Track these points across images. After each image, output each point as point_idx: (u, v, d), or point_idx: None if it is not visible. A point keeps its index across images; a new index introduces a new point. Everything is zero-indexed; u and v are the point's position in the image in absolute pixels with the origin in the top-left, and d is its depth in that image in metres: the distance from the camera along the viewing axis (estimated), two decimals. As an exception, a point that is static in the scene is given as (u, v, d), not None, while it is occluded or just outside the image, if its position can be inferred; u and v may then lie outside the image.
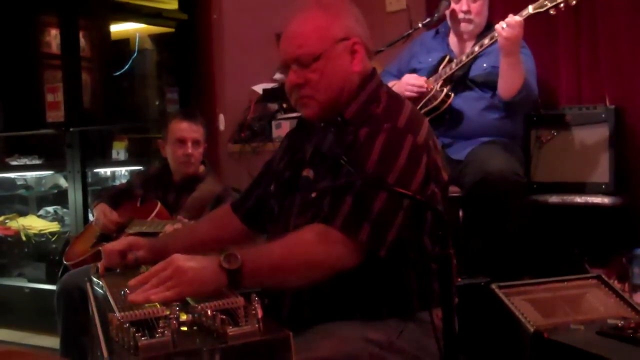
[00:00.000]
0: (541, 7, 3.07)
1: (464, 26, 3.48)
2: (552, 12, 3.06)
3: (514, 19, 3.09)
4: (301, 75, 1.87)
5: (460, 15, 3.46)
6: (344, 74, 1.87)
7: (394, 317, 1.80)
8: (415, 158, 1.76)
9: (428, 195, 1.77)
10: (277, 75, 4.09)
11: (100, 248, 2.13)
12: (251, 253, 1.63)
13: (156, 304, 1.49)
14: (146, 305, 1.48)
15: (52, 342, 3.84)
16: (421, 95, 3.39)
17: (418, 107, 3.36)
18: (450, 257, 1.50)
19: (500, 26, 3.12)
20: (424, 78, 3.42)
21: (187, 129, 3.29)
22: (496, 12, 3.63)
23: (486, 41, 3.23)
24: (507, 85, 3.24)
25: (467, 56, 3.29)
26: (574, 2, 3.01)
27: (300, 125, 2.11)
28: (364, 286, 1.79)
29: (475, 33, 3.49)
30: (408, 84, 3.41)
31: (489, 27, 3.47)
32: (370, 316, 1.79)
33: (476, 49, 3.30)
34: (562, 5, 3.03)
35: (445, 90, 3.35)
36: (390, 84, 3.53)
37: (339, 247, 1.67)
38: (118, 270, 2.01)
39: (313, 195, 1.83)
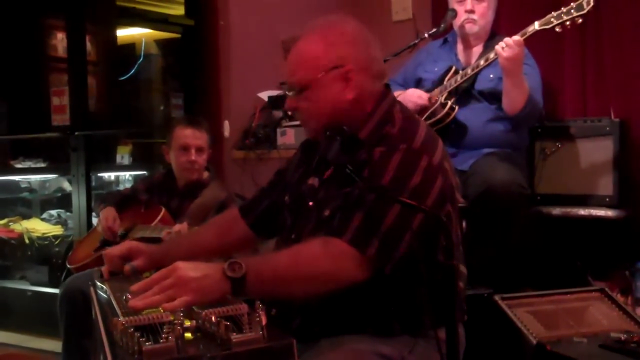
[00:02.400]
0: (547, 23, 3.07)
1: (468, 28, 3.48)
2: (557, 29, 3.06)
3: (513, 38, 3.11)
4: (294, 101, 1.91)
5: (464, 16, 3.46)
6: (334, 102, 1.86)
7: (405, 334, 1.80)
8: (430, 178, 1.75)
9: (444, 215, 1.75)
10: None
11: (103, 253, 2.13)
12: (255, 262, 1.62)
13: (160, 308, 1.49)
14: (150, 310, 1.49)
15: (54, 345, 3.84)
16: (425, 107, 3.40)
17: (423, 119, 3.37)
18: (454, 269, 1.50)
19: (500, 47, 3.12)
20: (428, 96, 3.42)
21: (190, 135, 3.29)
22: (501, 25, 3.64)
23: (492, 55, 3.24)
24: (511, 102, 3.26)
25: (473, 69, 3.29)
26: (580, 20, 3.01)
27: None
28: (375, 301, 1.78)
29: (481, 37, 3.51)
30: (411, 100, 3.42)
31: (494, 36, 3.48)
32: (381, 332, 1.78)
33: (482, 62, 3.31)
34: (568, 23, 3.03)
35: (449, 103, 3.35)
36: (395, 94, 3.55)
37: (346, 260, 1.67)
38: (122, 276, 2.01)
39: (326, 213, 1.83)
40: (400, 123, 1.86)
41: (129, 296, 1.60)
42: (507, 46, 3.09)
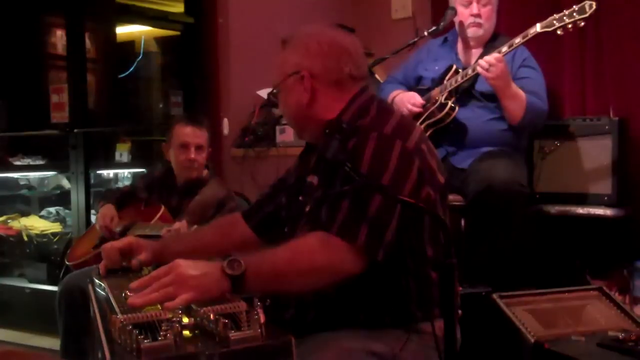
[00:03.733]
0: (549, 26, 3.07)
1: (473, 31, 3.47)
2: (559, 32, 3.06)
3: (493, 56, 3.14)
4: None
5: (470, 20, 3.45)
6: (296, 106, 2.00)
7: (397, 328, 1.80)
8: (406, 162, 1.77)
9: (423, 199, 1.78)
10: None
11: (101, 247, 2.13)
12: (254, 259, 1.63)
13: (158, 305, 1.49)
14: (148, 307, 1.49)
15: (52, 342, 3.84)
16: (425, 106, 3.41)
17: (422, 119, 3.37)
18: (454, 267, 1.50)
19: (483, 68, 3.14)
20: (422, 103, 3.43)
21: (190, 134, 3.28)
22: (503, 26, 3.64)
23: (470, 71, 3.26)
24: (510, 115, 3.28)
25: (473, 69, 3.29)
26: (582, 24, 3.01)
27: (309, 145, 2.13)
28: (364, 293, 1.80)
29: (483, 40, 3.50)
30: (406, 107, 3.43)
31: (495, 37, 3.48)
32: (372, 324, 1.79)
33: (470, 71, 3.32)
34: (570, 26, 3.03)
35: (449, 103, 3.35)
36: (394, 93, 3.56)
37: (341, 253, 1.68)
38: (120, 273, 2.01)
39: (307, 209, 1.87)
40: (373, 114, 1.91)
41: (129, 293, 1.60)
42: (490, 65, 3.11)
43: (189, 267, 1.55)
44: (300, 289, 1.73)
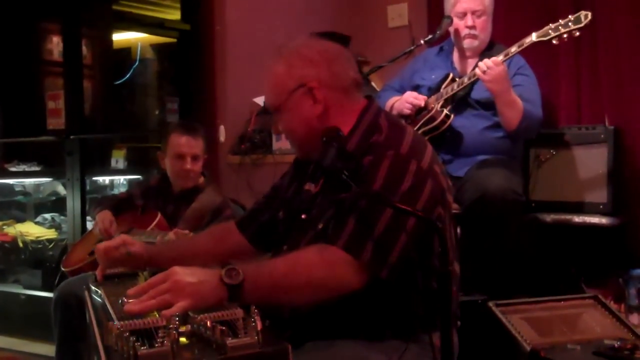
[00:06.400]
0: (545, 35, 3.08)
1: (468, 42, 3.49)
2: (555, 41, 3.08)
3: (492, 59, 3.15)
4: (276, 123, 1.99)
5: (465, 31, 3.47)
6: (306, 120, 1.91)
7: (396, 339, 1.79)
8: (419, 182, 1.76)
9: (434, 218, 1.76)
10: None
11: (95, 247, 2.12)
12: (253, 269, 1.62)
13: (155, 313, 1.49)
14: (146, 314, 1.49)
15: (47, 349, 3.83)
16: (421, 113, 3.41)
17: (417, 126, 3.38)
18: (450, 275, 1.50)
19: (481, 70, 3.16)
20: (425, 97, 3.43)
21: (185, 144, 3.25)
22: (499, 35, 3.65)
23: (469, 76, 3.28)
24: (506, 121, 3.29)
25: (469, 78, 3.30)
26: (577, 33, 3.03)
27: None
28: (367, 308, 1.78)
29: (479, 50, 3.51)
30: (407, 101, 3.43)
31: (491, 46, 3.49)
32: (372, 337, 1.78)
33: (465, 80, 3.33)
34: (565, 36, 3.05)
35: (445, 110, 3.36)
36: (392, 100, 3.56)
37: (342, 267, 1.67)
38: (116, 280, 2.01)
39: (320, 226, 1.83)
40: (386, 131, 1.87)
41: (125, 300, 1.59)
42: (488, 68, 3.12)
43: (186, 275, 1.54)
44: (298, 302, 1.72)
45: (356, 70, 1.97)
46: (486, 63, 3.15)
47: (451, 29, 3.55)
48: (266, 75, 1.96)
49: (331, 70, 1.91)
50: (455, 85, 3.38)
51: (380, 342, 1.78)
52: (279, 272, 1.66)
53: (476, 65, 3.30)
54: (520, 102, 3.24)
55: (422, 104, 3.40)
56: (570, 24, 3.02)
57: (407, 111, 3.42)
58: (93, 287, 1.90)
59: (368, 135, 1.88)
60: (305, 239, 1.88)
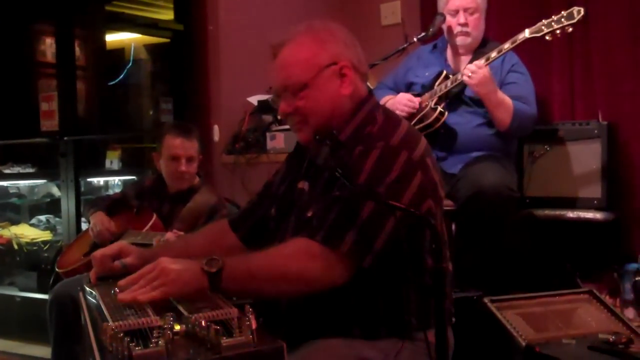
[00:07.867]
0: (538, 31, 3.09)
1: (461, 40, 3.50)
2: (548, 37, 3.09)
3: (475, 63, 3.18)
4: (291, 104, 1.90)
5: (458, 29, 3.48)
6: (333, 98, 1.88)
7: (392, 337, 1.79)
8: (408, 173, 1.76)
9: (424, 211, 1.76)
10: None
11: (92, 255, 2.12)
12: (233, 259, 1.66)
13: (150, 314, 1.49)
14: (140, 314, 1.49)
15: (43, 351, 3.82)
16: (415, 112, 3.41)
17: (412, 123, 3.38)
18: (444, 272, 1.50)
19: (467, 75, 3.18)
20: (419, 99, 3.44)
21: (180, 146, 3.24)
22: (491, 29, 3.65)
23: (459, 77, 3.28)
24: (498, 121, 3.31)
25: (462, 76, 3.31)
26: (570, 29, 3.04)
27: (298, 149, 2.11)
28: (361, 304, 1.79)
29: (472, 47, 3.52)
30: (401, 103, 3.44)
31: (485, 44, 3.50)
32: (367, 335, 1.78)
33: (448, 83, 3.34)
34: (558, 32, 3.05)
35: (439, 108, 3.36)
36: (385, 98, 3.57)
37: (318, 261, 1.68)
38: (111, 281, 2.00)
39: (309, 214, 1.84)
40: (380, 123, 1.87)
41: (117, 290, 1.65)
42: (473, 72, 3.14)
43: (171, 262, 1.62)
44: (273, 293, 1.73)
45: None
46: (469, 68, 3.18)
47: (444, 27, 3.56)
48: (289, 52, 1.89)
49: (358, 54, 1.92)
50: (448, 83, 3.38)
51: (376, 340, 1.78)
52: (256, 264, 1.69)
53: (470, 63, 3.32)
54: (510, 101, 3.25)
55: (417, 107, 3.41)
56: (563, 20, 3.03)
57: (399, 113, 3.42)
58: (88, 289, 1.89)
59: (362, 127, 1.88)
60: (291, 227, 1.91)
